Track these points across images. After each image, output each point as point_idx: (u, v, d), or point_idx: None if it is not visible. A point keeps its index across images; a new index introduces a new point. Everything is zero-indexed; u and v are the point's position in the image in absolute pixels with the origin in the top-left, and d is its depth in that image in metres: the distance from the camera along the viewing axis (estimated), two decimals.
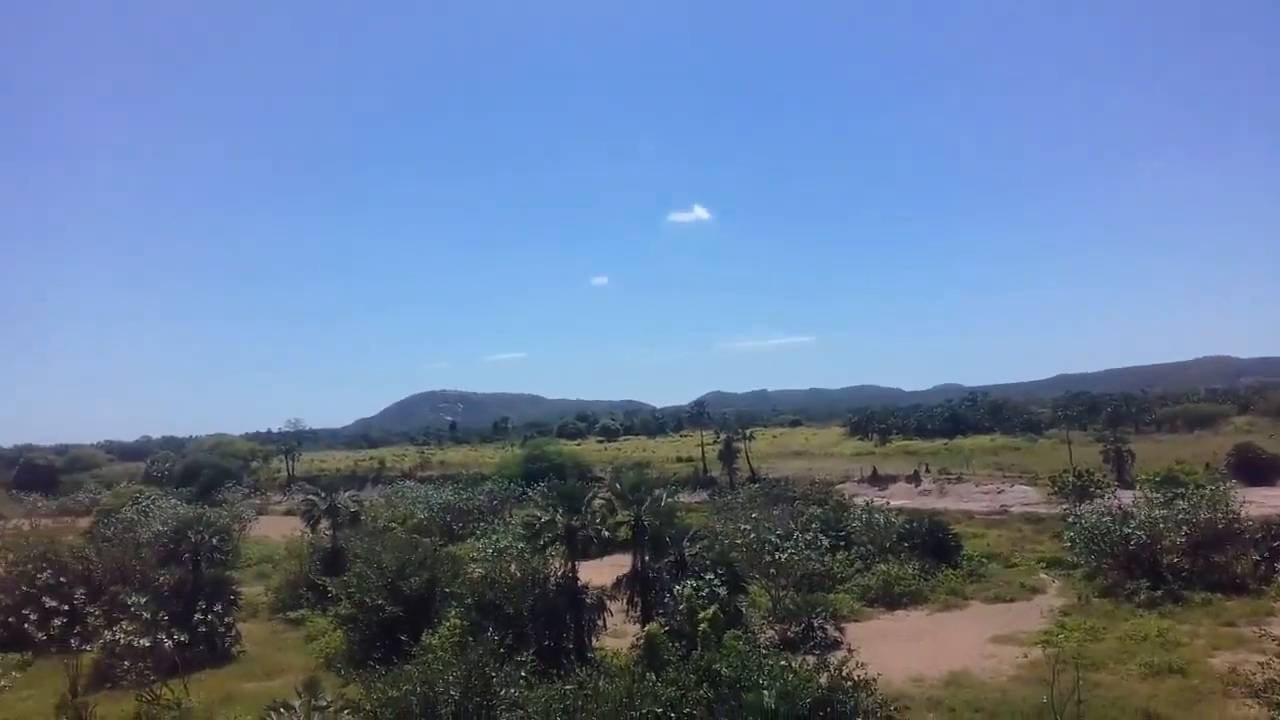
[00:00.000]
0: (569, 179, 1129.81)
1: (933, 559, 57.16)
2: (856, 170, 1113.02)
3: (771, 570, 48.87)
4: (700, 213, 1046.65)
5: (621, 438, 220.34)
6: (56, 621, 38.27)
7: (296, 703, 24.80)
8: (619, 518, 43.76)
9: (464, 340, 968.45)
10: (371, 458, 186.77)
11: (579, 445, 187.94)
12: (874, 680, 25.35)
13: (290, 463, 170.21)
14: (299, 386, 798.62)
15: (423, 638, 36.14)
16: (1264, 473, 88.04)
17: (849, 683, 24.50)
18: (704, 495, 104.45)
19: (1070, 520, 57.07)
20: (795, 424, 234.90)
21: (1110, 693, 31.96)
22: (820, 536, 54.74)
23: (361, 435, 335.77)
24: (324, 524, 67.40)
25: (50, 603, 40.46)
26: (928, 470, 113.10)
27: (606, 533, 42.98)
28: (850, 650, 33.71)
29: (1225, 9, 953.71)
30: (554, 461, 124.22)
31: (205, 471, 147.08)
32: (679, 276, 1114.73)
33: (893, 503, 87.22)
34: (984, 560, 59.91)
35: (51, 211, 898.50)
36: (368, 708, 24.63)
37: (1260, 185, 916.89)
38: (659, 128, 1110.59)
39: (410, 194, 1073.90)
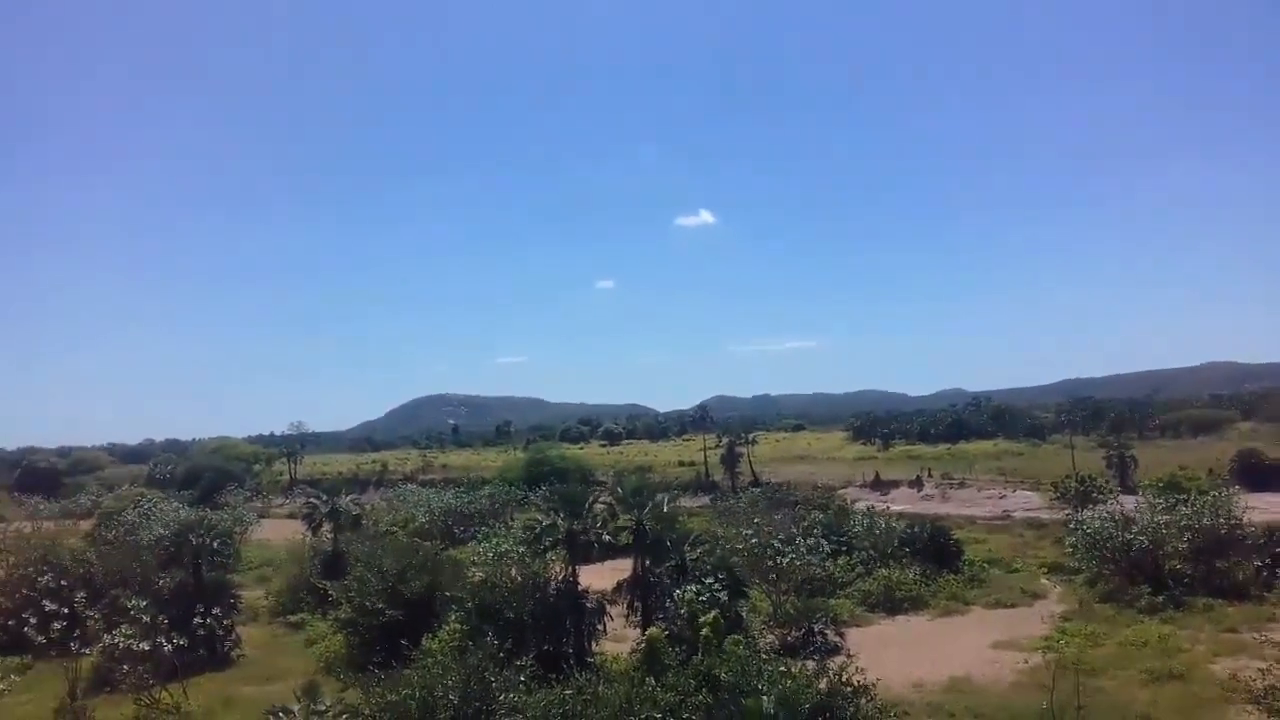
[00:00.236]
0: (574, 183, 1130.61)
1: (934, 564, 57.08)
2: (861, 175, 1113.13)
3: (772, 575, 48.82)
4: (706, 217, 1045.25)
5: (624, 442, 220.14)
6: (56, 625, 38.23)
7: (296, 707, 24.82)
8: (620, 522, 43.75)
9: (468, 344, 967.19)
10: (374, 461, 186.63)
11: (581, 449, 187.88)
12: (874, 685, 25.30)
13: (293, 466, 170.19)
14: (303, 390, 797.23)
15: (422, 642, 36.19)
16: (1267, 478, 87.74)
17: (848, 688, 24.45)
18: (706, 500, 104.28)
19: (1072, 526, 56.96)
20: (798, 428, 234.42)
21: (1111, 698, 31.90)
22: (822, 541, 54.66)
23: (364, 438, 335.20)
24: (325, 527, 67.40)
25: (50, 606, 40.40)
26: (930, 475, 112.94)
27: (608, 537, 42.97)
28: (850, 655, 33.66)
29: (1235, 7, 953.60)
30: (556, 465, 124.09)
31: (207, 474, 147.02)
32: (684, 280, 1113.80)
33: (895, 508, 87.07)
34: (985, 566, 59.91)
35: (54, 212, 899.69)
36: (366, 712, 24.65)
37: (1267, 189, 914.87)
38: (664, 132, 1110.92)
39: (415, 197, 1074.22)
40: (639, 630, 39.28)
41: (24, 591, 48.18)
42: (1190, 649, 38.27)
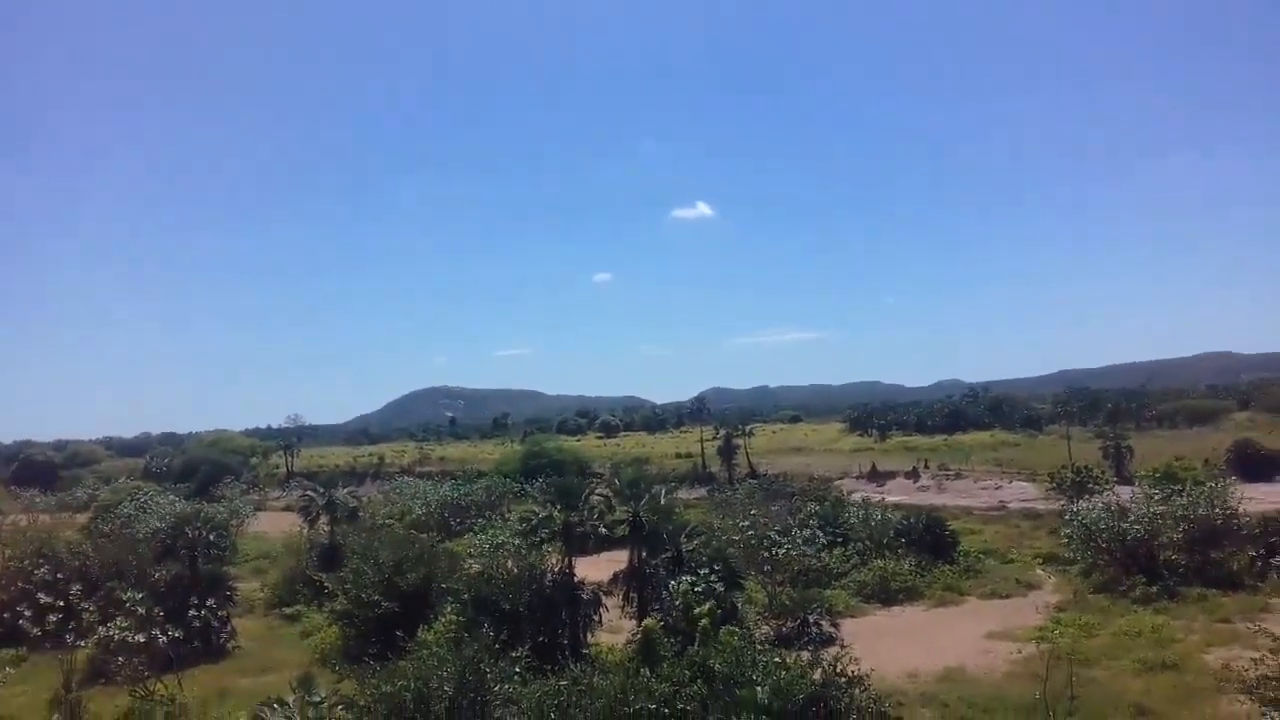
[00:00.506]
0: (572, 176, 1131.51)
1: (930, 555, 57.15)
2: (858, 167, 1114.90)
3: (768, 566, 48.92)
4: (703, 209, 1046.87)
5: (621, 434, 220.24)
6: (52, 617, 38.24)
7: (291, 698, 24.78)
8: (617, 514, 43.72)
9: (466, 336, 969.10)
10: (371, 454, 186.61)
11: (579, 441, 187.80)
12: (868, 676, 25.32)
13: (289, 459, 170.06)
14: (300, 383, 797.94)
15: (418, 633, 36.18)
16: (1263, 469, 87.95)
17: (843, 678, 24.45)
18: (703, 491, 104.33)
19: (1067, 517, 57.06)
20: (795, 420, 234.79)
21: (1104, 689, 31.95)
22: (818, 533, 54.81)
23: (361, 431, 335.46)
24: (322, 520, 67.49)
25: (46, 599, 40.43)
26: (926, 466, 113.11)
27: (604, 529, 42.98)
28: (844, 646, 33.73)
29: (1226, 6, 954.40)
30: (553, 458, 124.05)
31: (204, 467, 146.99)
32: (681, 273, 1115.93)
33: (891, 499, 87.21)
34: (981, 556, 59.97)
35: (51, 207, 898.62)
36: (362, 703, 24.61)
37: (1262, 180, 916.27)
38: (661, 125, 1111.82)
39: (412, 191, 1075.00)
40: (635, 621, 39.35)
41: (19, 584, 48.22)
42: (1184, 639, 38.34)
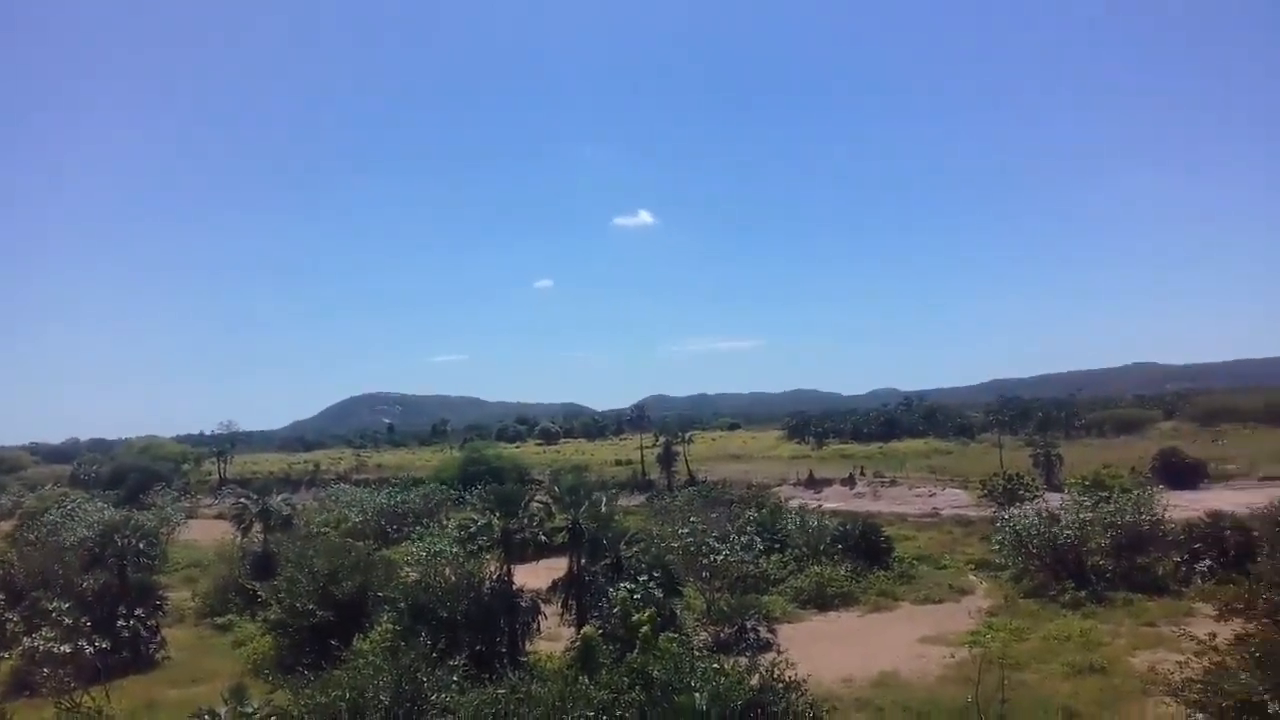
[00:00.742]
0: (513, 182, 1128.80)
1: (865, 561, 57.88)
2: (797, 178, 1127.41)
3: (706, 573, 49.17)
4: (645, 217, 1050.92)
5: (561, 441, 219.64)
6: None
7: (222, 709, 24.44)
8: (556, 521, 43.77)
9: (404, 342, 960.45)
10: (306, 460, 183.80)
11: (518, 448, 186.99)
12: (804, 681, 25.58)
13: (222, 465, 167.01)
14: (234, 388, 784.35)
15: (354, 643, 35.78)
16: (1187, 476, 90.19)
17: (780, 684, 24.69)
18: (642, 498, 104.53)
19: (999, 524, 58.14)
20: (734, 427, 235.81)
21: (1034, 692, 32.63)
22: (755, 539, 55.22)
23: (297, 438, 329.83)
24: (256, 528, 66.42)
25: None
26: (863, 473, 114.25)
27: (543, 536, 42.96)
28: (781, 651, 34.02)
29: (1151, 29, 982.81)
30: (492, 464, 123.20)
31: (134, 474, 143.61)
32: (622, 281, 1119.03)
33: (828, 505, 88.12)
34: (915, 562, 60.87)
35: None
36: (295, 714, 24.27)
37: (1189, 196, 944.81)
38: (604, 133, 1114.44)
39: (351, 195, 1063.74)
40: (574, 629, 39.32)
41: None
42: (1111, 643, 39.31)
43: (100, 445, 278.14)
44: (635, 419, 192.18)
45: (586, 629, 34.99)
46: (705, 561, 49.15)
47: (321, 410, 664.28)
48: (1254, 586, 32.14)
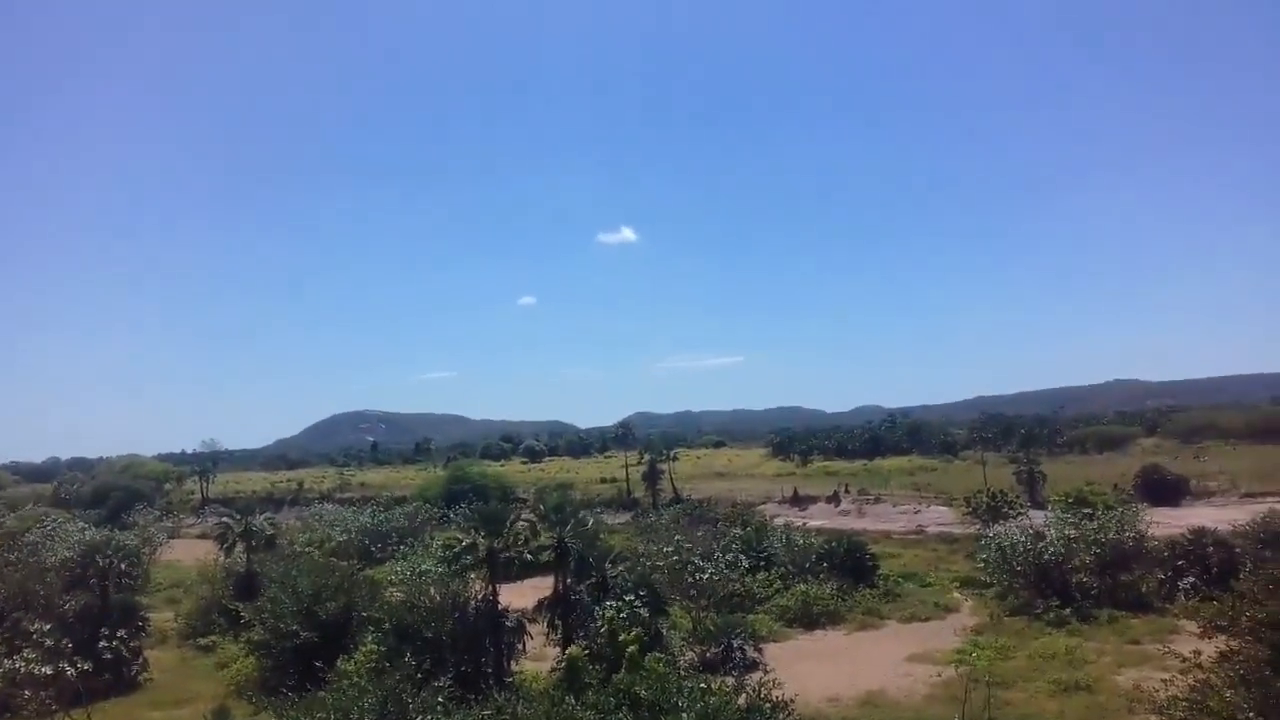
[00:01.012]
0: (496, 199, 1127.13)
1: (850, 579, 57.94)
2: (780, 195, 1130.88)
3: (692, 591, 49.11)
4: (627, 234, 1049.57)
5: (546, 459, 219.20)
6: None
7: None
8: (542, 540, 43.65)
9: (388, 360, 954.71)
10: (289, 479, 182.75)
11: (503, 466, 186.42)
12: (792, 701, 25.62)
13: (205, 484, 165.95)
14: (216, 406, 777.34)
15: (338, 664, 35.55)
16: (1169, 493, 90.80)
17: (767, 704, 24.72)
18: (627, 517, 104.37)
19: (983, 541, 58.31)
20: (719, 445, 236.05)
21: (1020, 710, 32.75)
22: (741, 557, 55.27)
23: (280, 456, 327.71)
24: (238, 548, 65.89)
25: None
26: (847, 491, 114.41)
27: (529, 555, 42.80)
28: (768, 671, 33.98)
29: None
30: (477, 483, 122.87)
31: (115, 493, 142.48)
32: (606, 297, 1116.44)
33: (812, 523, 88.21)
34: (900, 580, 61.00)
35: None
36: None
37: (1170, 214, 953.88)
38: (587, 149, 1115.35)
39: (335, 210, 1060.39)
40: (560, 649, 39.18)
41: None
42: (1096, 660, 39.48)
43: (81, 464, 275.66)
44: (620, 436, 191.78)
45: (572, 649, 34.85)
46: (691, 580, 49.08)
47: (305, 428, 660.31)
48: (1237, 603, 32.19)
